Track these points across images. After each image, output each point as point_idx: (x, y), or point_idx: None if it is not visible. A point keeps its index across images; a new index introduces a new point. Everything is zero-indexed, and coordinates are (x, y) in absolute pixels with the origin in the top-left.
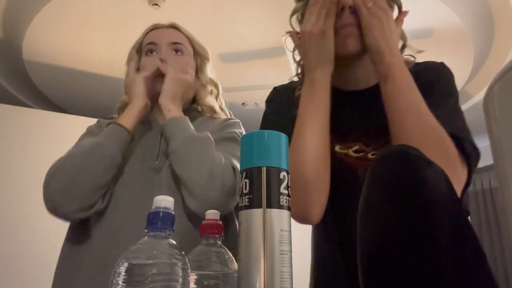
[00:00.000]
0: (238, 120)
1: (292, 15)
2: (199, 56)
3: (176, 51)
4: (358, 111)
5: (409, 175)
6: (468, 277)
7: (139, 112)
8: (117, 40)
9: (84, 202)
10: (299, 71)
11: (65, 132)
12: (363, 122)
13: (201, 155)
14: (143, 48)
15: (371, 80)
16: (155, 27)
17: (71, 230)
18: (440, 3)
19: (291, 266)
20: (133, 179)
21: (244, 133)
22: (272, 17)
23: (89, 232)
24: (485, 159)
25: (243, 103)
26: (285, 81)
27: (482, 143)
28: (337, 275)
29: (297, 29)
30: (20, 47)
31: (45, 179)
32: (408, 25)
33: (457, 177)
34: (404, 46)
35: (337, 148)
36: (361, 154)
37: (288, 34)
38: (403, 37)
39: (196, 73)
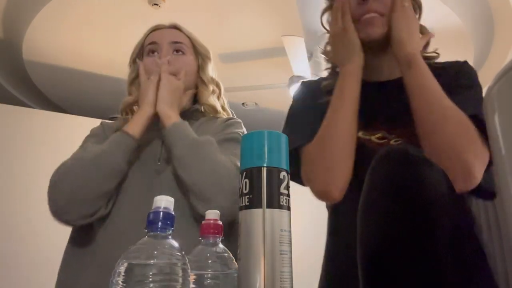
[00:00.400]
0: (239, 120)
1: (321, 15)
2: (201, 56)
3: (177, 50)
4: (381, 100)
5: (409, 175)
6: (468, 277)
7: (147, 119)
8: (117, 40)
9: (88, 209)
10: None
11: (65, 132)
12: (386, 111)
13: (204, 160)
14: (144, 49)
15: (394, 73)
16: (156, 28)
17: (75, 232)
18: (440, 3)
19: (291, 266)
20: (135, 182)
21: (245, 133)
22: (272, 17)
23: (93, 235)
24: None
25: (243, 103)
26: (285, 81)
27: None
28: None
29: (328, 27)
30: (20, 47)
31: (50, 184)
32: None
33: (480, 157)
34: (427, 44)
35: (360, 134)
36: (384, 140)
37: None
38: (426, 35)
39: (198, 72)
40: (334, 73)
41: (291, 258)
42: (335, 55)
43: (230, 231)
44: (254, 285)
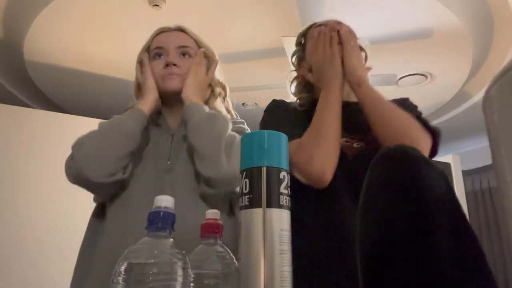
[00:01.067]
0: (242, 120)
1: (292, 56)
2: (207, 58)
3: (184, 54)
4: (344, 116)
5: (409, 175)
6: (467, 277)
7: (153, 102)
8: (118, 40)
9: (107, 169)
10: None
11: (65, 132)
12: (349, 123)
13: (216, 128)
14: (150, 53)
15: (350, 96)
16: (161, 31)
17: (91, 219)
18: (439, 4)
19: (291, 266)
20: (146, 180)
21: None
22: (272, 17)
23: (105, 228)
24: (485, 159)
25: (243, 103)
26: (285, 81)
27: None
28: (320, 250)
29: (293, 67)
30: (21, 47)
31: (72, 151)
32: (408, 25)
33: (423, 137)
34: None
35: None
36: (348, 143)
37: (294, 78)
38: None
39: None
40: (307, 90)
41: (291, 257)
42: (323, 76)
43: (231, 209)
44: (254, 285)
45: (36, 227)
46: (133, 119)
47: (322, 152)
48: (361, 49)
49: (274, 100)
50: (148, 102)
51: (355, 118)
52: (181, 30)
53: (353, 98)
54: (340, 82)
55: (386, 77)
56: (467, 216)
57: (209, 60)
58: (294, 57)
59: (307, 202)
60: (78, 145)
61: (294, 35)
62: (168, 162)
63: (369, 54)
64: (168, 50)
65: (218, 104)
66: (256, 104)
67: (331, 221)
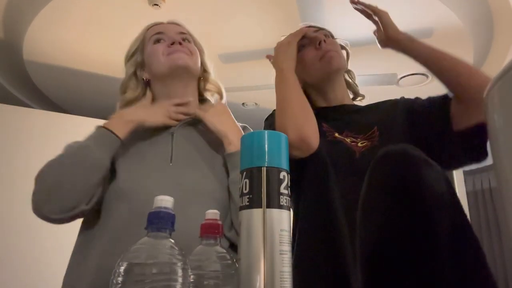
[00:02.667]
0: (245, 125)
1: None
2: (200, 51)
3: (184, 40)
4: (344, 117)
5: (409, 175)
6: (467, 277)
7: (138, 122)
8: (117, 40)
9: (65, 203)
10: None
11: (65, 132)
12: (349, 124)
13: None
14: (147, 41)
15: (346, 98)
16: (156, 23)
17: (84, 221)
18: (439, 3)
19: (291, 266)
20: (146, 182)
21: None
22: (272, 17)
23: (102, 228)
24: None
25: (243, 103)
26: None
27: None
28: (323, 242)
29: None
30: (20, 47)
31: (34, 181)
32: (408, 25)
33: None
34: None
35: (336, 134)
36: (353, 143)
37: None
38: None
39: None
40: None
41: (291, 258)
42: (276, 60)
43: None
44: (254, 285)
45: (35, 227)
46: (103, 148)
47: (291, 115)
48: (342, 47)
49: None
50: (133, 125)
51: (355, 118)
52: (175, 23)
53: (347, 100)
54: (291, 66)
55: (387, 77)
56: (468, 216)
57: (201, 53)
58: None
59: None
60: (39, 177)
61: None
62: (170, 164)
63: (350, 53)
64: (169, 34)
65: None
66: (256, 104)
67: (331, 224)
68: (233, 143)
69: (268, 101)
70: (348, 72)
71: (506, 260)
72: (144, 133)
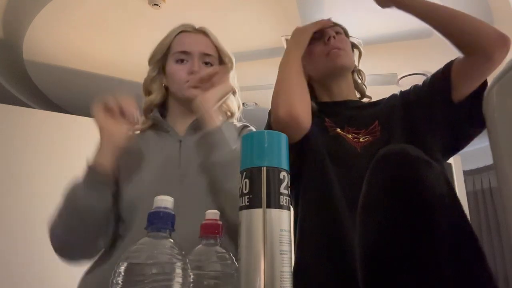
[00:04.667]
0: (253, 127)
1: None
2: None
3: (206, 63)
4: (347, 112)
5: (409, 175)
6: (467, 277)
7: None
8: (118, 40)
9: (84, 256)
10: None
11: (65, 132)
12: (352, 120)
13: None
14: (172, 54)
15: (351, 95)
16: (184, 30)
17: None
18: (440, 3)
19: (291, 266)
20: (156, 189)
21: None
22: (272, 17)
23: (119, 242)
24: (485, 159)
25: (243, 103)
26: None
27: (482, 143)
28: (322, 245)
29: None
30: (20, 47)
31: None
32: (408, 24)
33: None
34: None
35: (338, 130)
36: (355, 139)
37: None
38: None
39: None
40: None
41: (291, 258)
42: (288, 45)
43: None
44: (254, 285)
45: (34, 226)
46: (90, 189)
47: (284, 93)
48: (355, 46)
49: None
50: (114, 150)
51: (356, 113)
52: (204, 33)
53: (352, 96)
54: (299, 52)
55: (386, 77)
56: (468, 216)
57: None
58: None
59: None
60: (50, 236)
61: None
62: (179, 169)
63: (363, 51)
64: (193, 56)
65: (234, 106)
66: (256, 104)
67: (334, 222)
68: (214, 121)
69: (268, 101)
70: (359, 72)
71: (506, 260)
72: (149, 141)
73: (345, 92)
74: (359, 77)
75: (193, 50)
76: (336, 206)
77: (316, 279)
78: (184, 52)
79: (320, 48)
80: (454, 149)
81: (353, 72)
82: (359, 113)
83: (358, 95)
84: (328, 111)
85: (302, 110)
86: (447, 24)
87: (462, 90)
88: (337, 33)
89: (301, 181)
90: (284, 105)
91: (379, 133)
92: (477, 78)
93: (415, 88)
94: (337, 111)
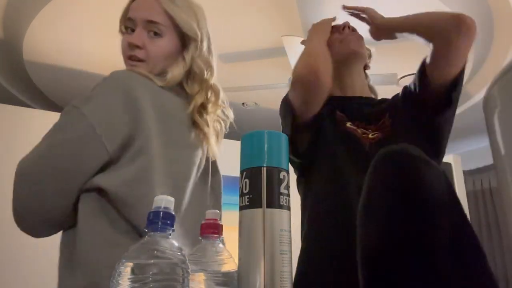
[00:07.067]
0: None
1: None
2: (185, 36)
3: (155, 33)
4: (359, 108)
5: (409, 175)
6: (467, 276)
7: None
8: (118, 40)
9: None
10: None
11: None
12: (362, 115)
13: None
14: (122, 18)
15: (362, 92)
16: None
17: None
18: (439, 3)
19: (291, 266)
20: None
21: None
22: (272, 17)
23: None
24: (485, 159)
25: (243, 103)
26: (285, 81)
27: (482, 143)
28: (333, 231)
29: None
30: (20, 47)
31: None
32: None
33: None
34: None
35: (348, 124)
36: (364, 134)
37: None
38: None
39: (182, 53)
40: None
41: (291, 258)
42: (313, 28)
43: None
44: (254, 285)
45: None
46: None
47: (309, 58)
48: (369, 55)
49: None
50: None
51: (367, 109)
52: None
53: (366, 93)
54: (325, 37)
55: (386, 77)
56: (468, 216)
57: (186, 38)
58: None
59: (320, 189)
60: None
61: (294, 35)
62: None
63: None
64: (137, 23)
65: (210, 117)
66: (256, 104)
67: (343, 209)
68: None
69: (268, 101)
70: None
71: (506, 260)
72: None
73: (358, 87)
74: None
75: (135, 16)
76: (351, 207)
77: (326, 273)
78: (129, 19)
79: (336, 36)
80: (442, 141)
81: (365, 71)
82: (369, 108)
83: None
84: (340, 104)
85: (324, 68)
86: (419, 28)
87: (439, 81)
88: (353, 30)
89: (311, 174)
90: (305, 64)
91: (389, 128)
92: (446, 67)
93: (408, 88)
94: (347, 105)
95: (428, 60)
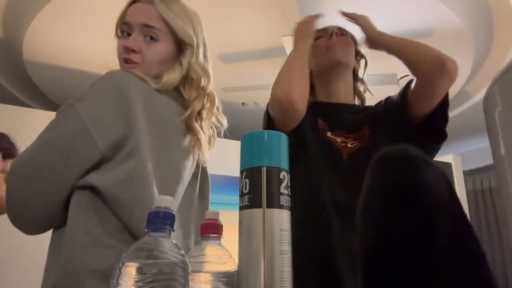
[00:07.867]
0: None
1: None
2: (184, 44)
3: (151, 37)
4: (341, 116)
5: (408, 175)
6: (467, 276)
7: None
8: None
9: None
10: None
11: None
12: (344, 123)
13: None
14: (119, 22)
15: (348, 99)
16: (133, 1)
17: None
18: (439, 3)
19: (291, 266)
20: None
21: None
22: (272, 17)
23: None
24: (485, 159)
25: (243, 103)
26: None
27: (482, 143)
28: (306, 238)
29: None
30: (20, 47)
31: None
32: (408, 25)
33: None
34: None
35: (328, 134)
36: (344, 144)
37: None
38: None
39: (179, 58)
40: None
41: (291, 258)
42: (296, 37)
43: None
44: (254, 285)
45: None
46: None
47: (285, 80)
48: (361, 55)
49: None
50: None
51: (348, 117)
52: (151, 2)
53: (350, 100)
54: (307, 43)
55: (387, 77)
56: (468, 216)
57: (184, 43)
58: None
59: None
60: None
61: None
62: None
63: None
64: (133, 28)
65: (205, 123)
66: (256, 104)
67: (317, 216)
68: None
69: (268, 101)
70: (362, 81)
71: (506, 260)
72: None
73: (343, 94)
74: (364, 88)
75: (132, 20)
76: (325, 212)
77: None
78: (125, 23)
79: (322, 43)
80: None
81: (355, 78)
82: (351, 117)
83: (357, 102)
84: (323, 111)
85: (299, 94)
86: (405, 59)
87: (417, 110)
88: (342, 34)
89: (291, 180)
90: (281, 86)
91: (367, 139)
92: (426, 100)
93: (391, 97)
94: (330, 113)
95: (412, 86)
